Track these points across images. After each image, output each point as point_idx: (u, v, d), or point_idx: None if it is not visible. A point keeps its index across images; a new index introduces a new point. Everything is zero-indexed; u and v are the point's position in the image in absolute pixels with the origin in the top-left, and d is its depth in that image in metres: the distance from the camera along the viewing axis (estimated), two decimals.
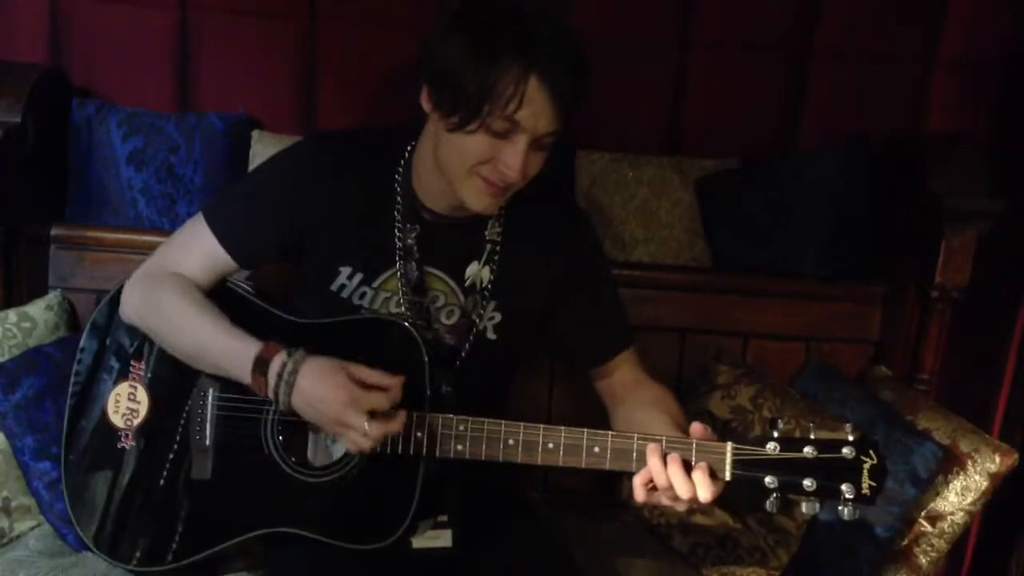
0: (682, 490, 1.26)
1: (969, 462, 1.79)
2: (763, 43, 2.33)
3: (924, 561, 1.81)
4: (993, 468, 1.77)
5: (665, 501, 1.30)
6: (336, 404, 1.34)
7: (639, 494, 1.31)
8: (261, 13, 2.27)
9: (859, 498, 1.24)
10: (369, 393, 1.35)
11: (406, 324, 1.43)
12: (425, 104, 1.40)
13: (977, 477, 1.78)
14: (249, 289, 1.60)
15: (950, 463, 1.80)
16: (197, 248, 1.54)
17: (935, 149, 2.07)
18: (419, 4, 2.28)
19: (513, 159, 1.34)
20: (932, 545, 1.81)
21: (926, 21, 2.31)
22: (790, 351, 2.18)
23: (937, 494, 1.81)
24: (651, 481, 1.29)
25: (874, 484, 1.24)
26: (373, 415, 1.34)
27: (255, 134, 2.21)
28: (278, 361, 1.39)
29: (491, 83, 1.29)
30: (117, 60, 2.27)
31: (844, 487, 1.24)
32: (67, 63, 2.25)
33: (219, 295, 1.54)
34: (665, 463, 1.28)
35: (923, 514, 1.81)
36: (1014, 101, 2.30)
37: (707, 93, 2.34)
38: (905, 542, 1.82)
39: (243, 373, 1.41)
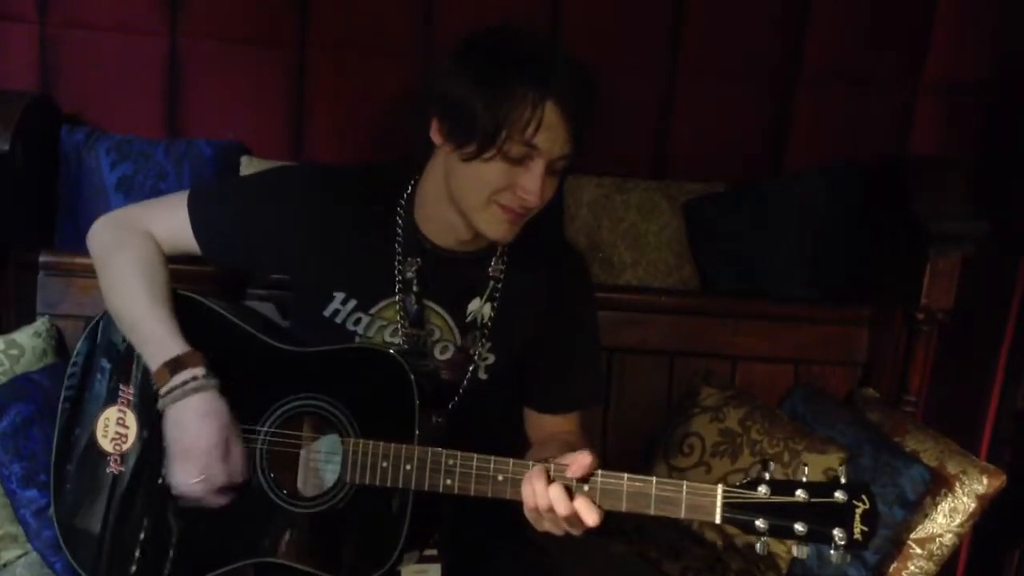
0: (561, 508, 1.25)
1: (957, 484, 1.79)
2: (749, 68, 2.36)
3: None
4: (981, 489, 1.78)
5: (549, 526, 1.29)
6: (191, 446, 1.39)
7: (529, 517, 1.31)
8: (250, 40, 2.29)
9: (851, 544, 1.21)
10: (221, 465, 1.39)
11: (395, 355, 1.42)
12: (435, 137, 1.40)
13: (965, 499, 1.78)
14: (246, 314, 1.59)
15: (938, 485, 1.80)
16: (172, 224, 1.55)
17: (919, 172, 2.09)
18: (408, 31, 2.30)
19: (532, 184, 1.35)
20: (921, 567, 1.81)
21: (909, 46, 2.34)
22: (778, 373, 2.18)
23: (925, 516, 1.81)
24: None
25: (866, 529, 1.21)
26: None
27: (244, 160, 2.21)
28: (190, 372, 1.40)
29: (508, 109, 1.30)
30: (106, 87, 2.29)
31: (836, 532, 1.21)
32: (56, 90, 2.26)
33: (209, 324, 1.54)
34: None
35: (912, 536, 1.81)
36: (997, 124, 2.33)
37: (694, 118, 2.37)
38: (894, 564, 1.82)
39: (153, 361, 1.43)
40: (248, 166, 2.19)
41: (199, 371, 1.41)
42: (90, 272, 2.03)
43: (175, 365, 1.41)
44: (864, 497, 1.23)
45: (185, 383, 1.40)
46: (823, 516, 1.22)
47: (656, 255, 2.24)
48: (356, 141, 2.31)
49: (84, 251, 2.08)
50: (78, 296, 2.05)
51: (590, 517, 1.25)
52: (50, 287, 2.08)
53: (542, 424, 1.61)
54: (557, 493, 1.25)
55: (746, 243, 2.21)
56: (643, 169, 2.34)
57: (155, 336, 1.45)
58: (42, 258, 2.07)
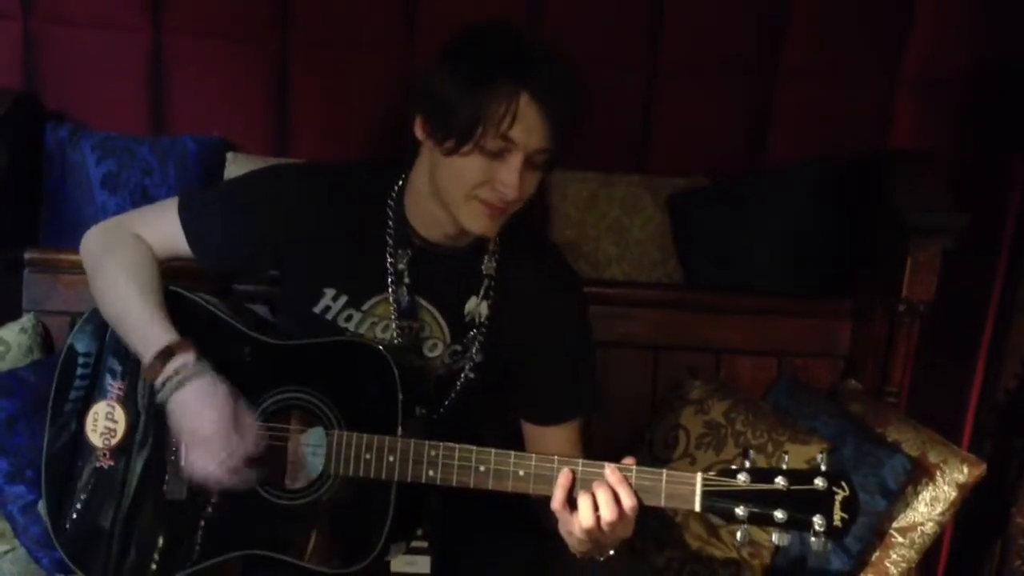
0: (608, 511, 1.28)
1: (938, 473, 1.81)
2: (731, 63, 2.37)
3: (895, 572, 1.83)
4: (961, 479, 1.80)
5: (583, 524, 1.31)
6: (201, 433, 1.39)
7: (559, 514, 1.33)
8: (234, 36, 2.29)
9: (831, 530, 1.23)
10: (237, 440, 1.39)
11: (379, 348, 1.44)
12: (419, 133, 1.41)
13: (946, 487, 1.80)
14: (234, 310, 1.60)
15: (919, 474, 1.82)
16: (164, 231, 1.55)
17: (899, 166, 2.11)
18: (390, 26, 2.30)
19: (509, 177, 1.35)
20: (903, 556, 1.83)
21: (889, 41, 2.36)
22: (762, 366, 2.20)
23: (907, 505, 1.83)
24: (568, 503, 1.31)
25: (846, 516, 1.23)
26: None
27: (229, 156, 2.22)
28: (180, 360, 1.42)
29: (484, 104, 1.31)
30: (90, 84, 2.28)
31: (815, 519, 1.23)
32: (40, 87, 2.25)
33: (197, 320, 1.55)
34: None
35: (894, 525, 1.83)
36: (975, 118, 2.35)
37: (676, 112, 2.38)
38: (877, 553, 1.84)
39: (146, 355, 1.44)
40: (233, 162, 2.19)
41: (189, 357, 1.42)
42: (76, 268, 2.03)
43: (165, 354, 1.42)
44: (844, 484, 1.24)
45: (177, 371, 1.41)
46: (803, 503, 1.24)
47: (640, 249, 2.25)
48: (340, 135, 2.32)
49: (69, 247, 2.09)
50: (64, 292, 2.05)
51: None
52: (36, 284, 2.07)
53: (543, 439, 1.60)
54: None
55: (729, 237, 2.22)
56: (626, 164, 2.35)
57: (144, 330, 1.46)
58: (27, 255, 2.07)
